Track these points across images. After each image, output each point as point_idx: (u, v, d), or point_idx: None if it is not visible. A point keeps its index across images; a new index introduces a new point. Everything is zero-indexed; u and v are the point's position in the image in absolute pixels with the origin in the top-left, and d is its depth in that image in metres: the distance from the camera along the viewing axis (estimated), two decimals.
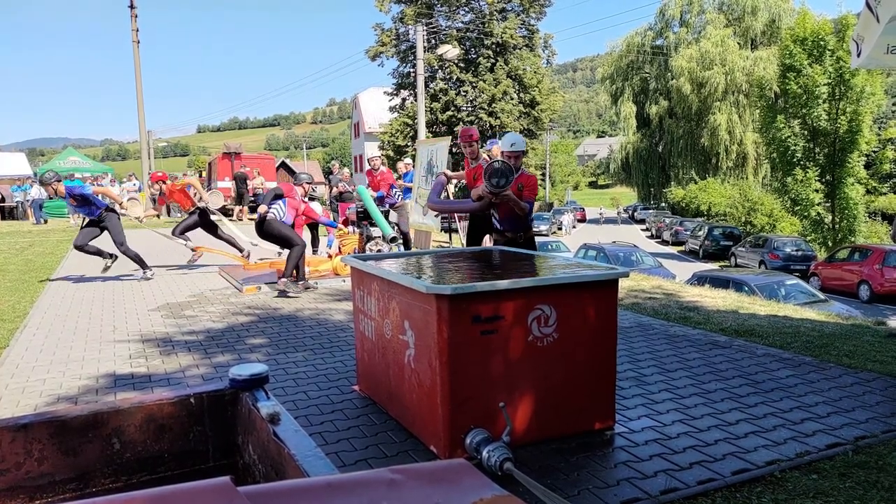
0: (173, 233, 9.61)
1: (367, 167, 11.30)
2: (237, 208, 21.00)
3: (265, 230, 7.45)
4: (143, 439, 1.57)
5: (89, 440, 1.51)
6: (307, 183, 8.03)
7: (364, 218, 9.57)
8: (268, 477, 1.44)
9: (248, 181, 20.62)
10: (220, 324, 6.10)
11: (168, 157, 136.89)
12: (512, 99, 32.06)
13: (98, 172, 28.38)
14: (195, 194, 9.55)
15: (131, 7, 24.32)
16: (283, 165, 50.16)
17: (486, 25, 31.82)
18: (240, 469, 1.62)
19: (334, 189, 14.08)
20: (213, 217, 9.67)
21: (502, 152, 5.25)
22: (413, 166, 12.40)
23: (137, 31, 24.45)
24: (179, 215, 17.29)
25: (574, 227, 43.73)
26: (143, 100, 24.83)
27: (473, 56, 32.62)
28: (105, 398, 4.09)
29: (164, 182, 9.86)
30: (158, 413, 1.59)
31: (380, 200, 9.62)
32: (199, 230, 9.62)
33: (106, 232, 8.33)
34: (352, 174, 15.78)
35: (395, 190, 10.05)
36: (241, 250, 9.63)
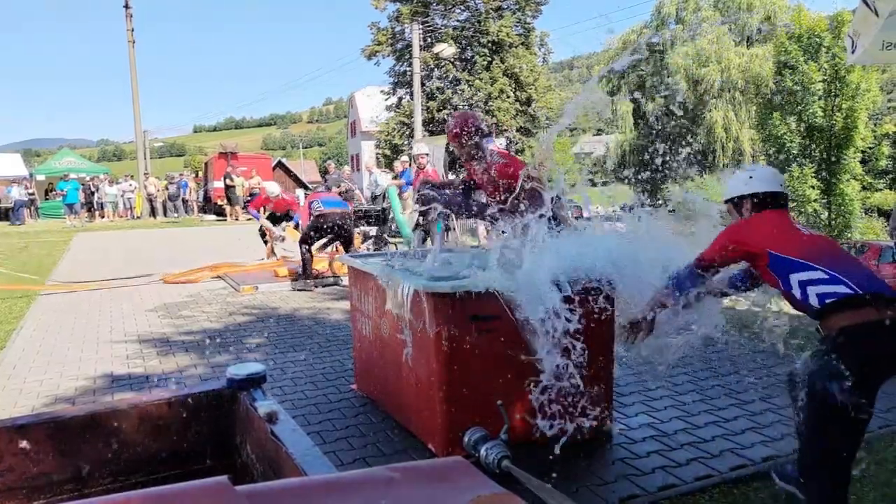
0: None
1: (367, 162, 10.61)
2: (229, 209, 20.91)
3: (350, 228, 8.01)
4: (140, 439, 1.57)
5: (87, 441, 1.51)
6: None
7: (362, 217, 9.56)
8: (266, 476, 1.44)
9: (227, 179, 20.53)
10: (217, 324, 6.09)
11: (164, 157, 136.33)
12: (508, 97, 32.03)
13: (94, 173, 28.32)
14: None
15: (126, 7, 24.26)
16: (280, 165, 50.06)
17: (482, 24, 31.79)
18: (238, 468, 1.62)
19: (335, 188, 14.08)
20: None
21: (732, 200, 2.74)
22: (410, 165, 12.36)
23: (133, 30, 24.39)
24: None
25: None
26: (139, 100, 24.77)
27: (469, 54, 32.59)
28: (102, 399, 4.09)
29: None
30: (156, 413, 1.59)
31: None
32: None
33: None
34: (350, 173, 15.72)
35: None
36: None
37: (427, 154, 8.78)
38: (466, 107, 31.74)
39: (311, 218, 7.83)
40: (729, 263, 2.59)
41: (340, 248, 8.20)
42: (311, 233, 7.89)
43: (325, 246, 8.37)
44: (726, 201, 2.74)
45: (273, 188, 9.59)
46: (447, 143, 11.73)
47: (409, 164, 12.35)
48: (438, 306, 2.92)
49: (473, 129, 3.81)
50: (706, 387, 4.05)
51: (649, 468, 2.96)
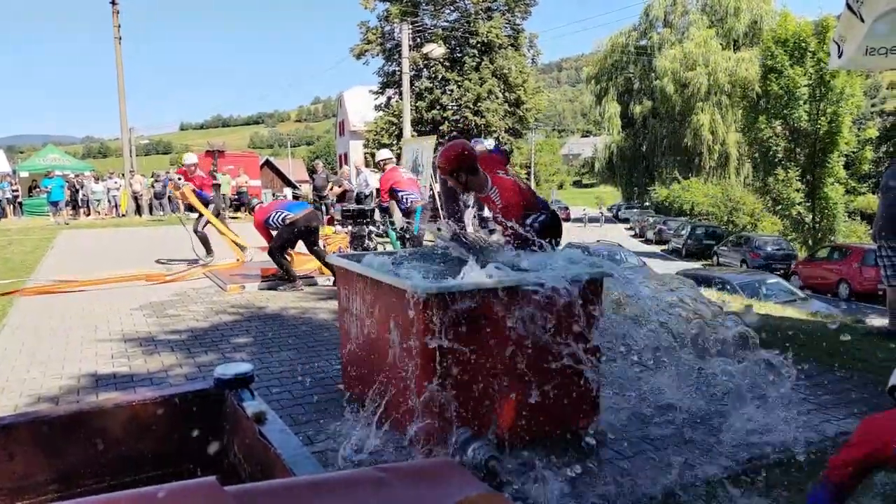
0: None
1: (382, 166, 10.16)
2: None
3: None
4: (126, 439, 1.56)
5: (72, 441, 1.50)
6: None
7: (350, 217, 9.53)
8: (254, 477, 1.44)
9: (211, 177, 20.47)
10: (203, 323, 6.05)
11: (150, 155, 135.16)
12: (497, 98, 32.08)
13: (79, 170, 28.01)
14: None
15: (113, 3, 24.02)
16: (268, 163, 49.84)
17: (472, 24, 31.82)
18: (225, 469, 1.62)
19: (335, 188, 14.04)
20: None
21: None
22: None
23: (119, 27, 24.16)
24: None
25: None
26: (125, 97, 24.55)
27: (459, 55, 32.61)
28: (87, 398, 4.05)
29: None
30: (142, 413, 1.58)
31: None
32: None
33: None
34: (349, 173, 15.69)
35: (402, 194, 8.48)
36: None
37: (390, 158, 9.17)
38: (455, 107, 31.74)
39: (280, 227, 7.46)
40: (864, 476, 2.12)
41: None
42: (285, 242, 7.57)
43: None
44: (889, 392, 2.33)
45: (188, 158, 9.98)
46: (437, 143, 11.73)
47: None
48: (426, 306, 2.92)
49: (467, 166, 3.63)
50: (691, 387, 4.07)
51: (636, 468, 2.98)
